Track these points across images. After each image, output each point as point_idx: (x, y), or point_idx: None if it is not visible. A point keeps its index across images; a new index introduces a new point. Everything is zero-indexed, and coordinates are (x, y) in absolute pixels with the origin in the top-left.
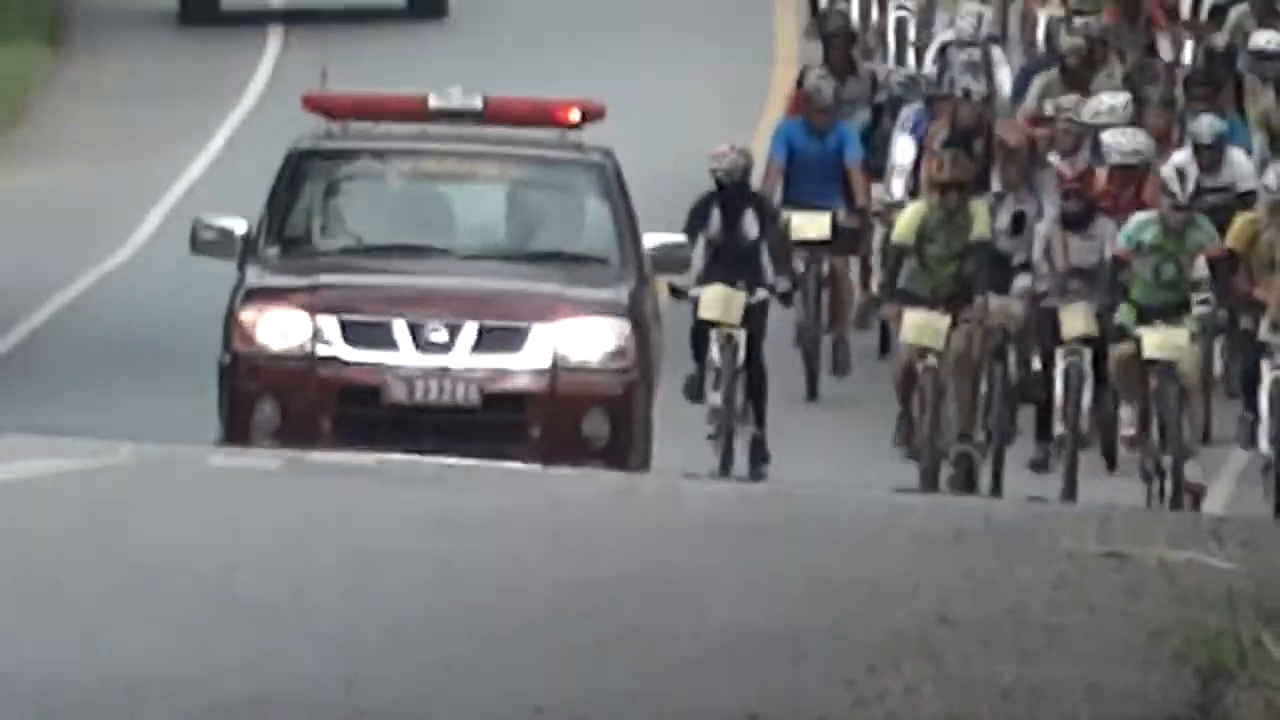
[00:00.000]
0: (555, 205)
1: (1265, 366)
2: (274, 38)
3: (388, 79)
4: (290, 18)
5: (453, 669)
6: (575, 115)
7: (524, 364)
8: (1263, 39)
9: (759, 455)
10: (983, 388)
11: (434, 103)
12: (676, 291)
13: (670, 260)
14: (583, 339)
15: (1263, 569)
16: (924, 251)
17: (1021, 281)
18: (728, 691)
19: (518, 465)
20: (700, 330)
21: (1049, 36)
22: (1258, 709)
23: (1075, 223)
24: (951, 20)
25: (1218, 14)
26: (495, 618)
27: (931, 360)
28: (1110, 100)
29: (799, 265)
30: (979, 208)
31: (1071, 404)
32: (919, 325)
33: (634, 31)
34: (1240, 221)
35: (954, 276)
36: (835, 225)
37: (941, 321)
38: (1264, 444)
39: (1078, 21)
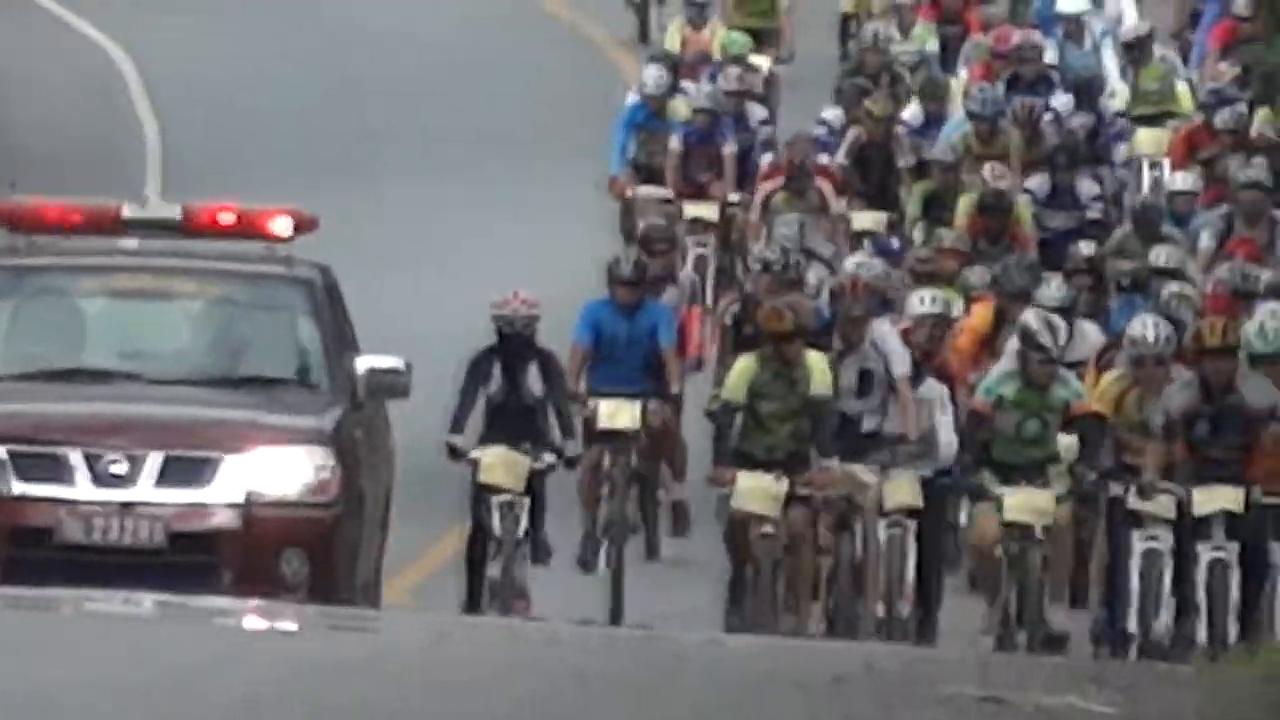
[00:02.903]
0: (259, 325)
1: (1135, 536)
2: None
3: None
4: None
5: None
6: (284, 227)
7: (214, 499)
8: (1163, 256)
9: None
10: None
11: (128, 213)
12: (455, 452)
13: (387, 385)
14: (279, 470)
15: (1141, 713)
16: (757, 409)
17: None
18: None
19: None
20: (480, 496)
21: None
22: None
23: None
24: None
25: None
26: None
27: (768, 528)
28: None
29: (605, 459)
30: (817, 361)
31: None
32: (752, 491)
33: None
34: (1106, 381)
35: (791, 436)
36: (645, 415)
37: (777, 486)
38: (1131, 622)
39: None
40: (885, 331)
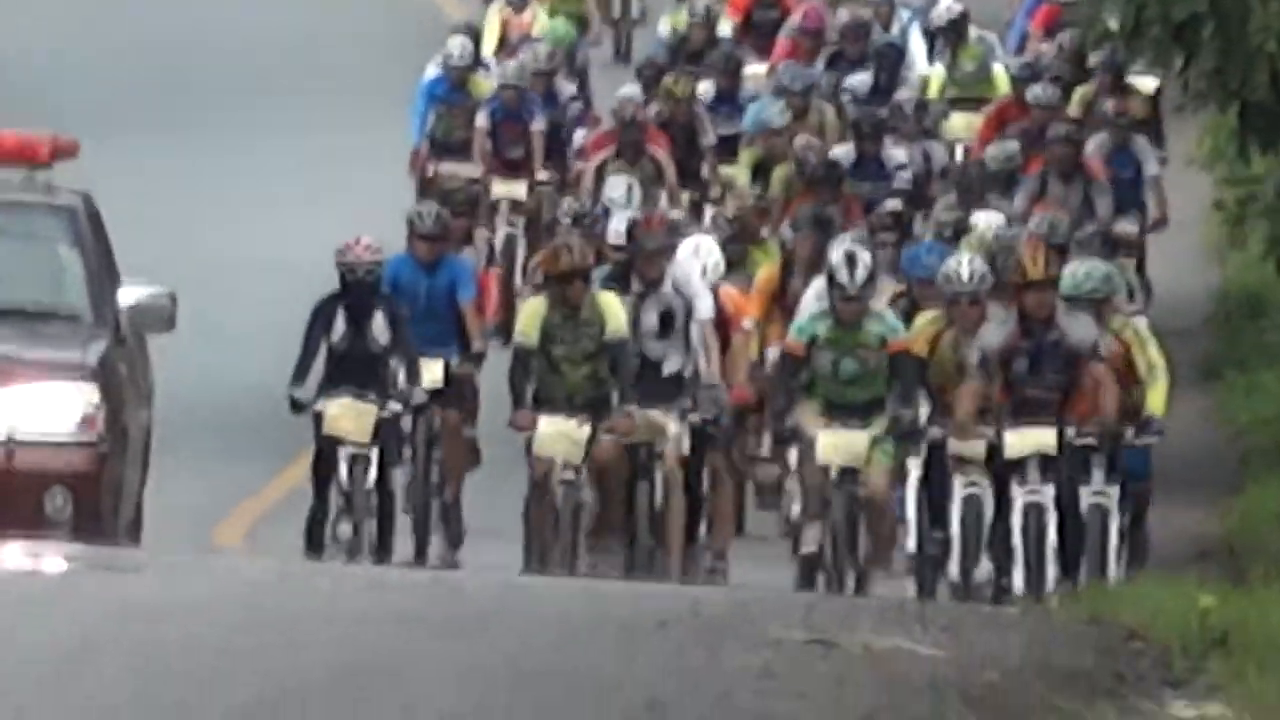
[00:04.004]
0: (17, 254)
1: (958, 482)
2: None
3: None
4: None
5: None
6: (43, 151)
7: None
8: (983, 221)
9: None
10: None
11: None
12: (297, 405)
13: (154, 317)
14: (42, 406)
15: (967, 655)
16: (550, 353)
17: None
18: None
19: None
20: (326, 449)
21: None
22: None
23: None
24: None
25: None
26: (203, 708)
27: (569, 474)
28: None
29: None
30: (609, 302)
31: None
32: (554, 435)
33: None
34: (920, 321)
35: (589, 379)
36: (448, 373)
37: (579, 431)
38: (953, 570)
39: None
40: (688, 273)
